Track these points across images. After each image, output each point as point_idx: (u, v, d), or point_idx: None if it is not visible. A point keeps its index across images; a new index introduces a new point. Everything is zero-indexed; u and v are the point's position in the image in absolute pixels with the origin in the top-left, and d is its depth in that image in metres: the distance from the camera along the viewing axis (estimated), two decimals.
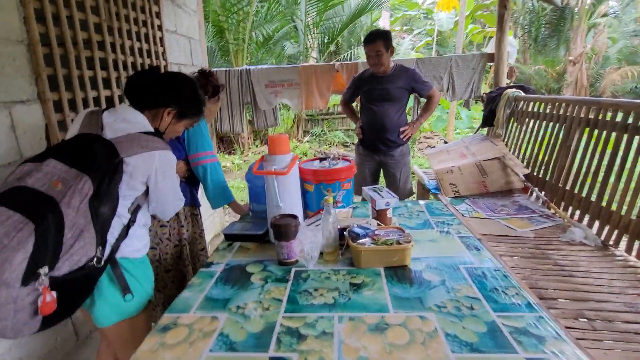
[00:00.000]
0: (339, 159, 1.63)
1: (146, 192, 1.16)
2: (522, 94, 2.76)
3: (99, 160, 1.01)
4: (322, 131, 9.31)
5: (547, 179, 2.33)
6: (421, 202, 1.81)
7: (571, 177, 2.11)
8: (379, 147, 2.62)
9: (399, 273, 1.14)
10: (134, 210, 1.15)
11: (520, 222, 2.07)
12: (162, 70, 2.24)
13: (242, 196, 4.94)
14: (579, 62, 13.11)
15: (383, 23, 12.79)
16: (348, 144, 8.79)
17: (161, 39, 2.48)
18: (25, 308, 0.86)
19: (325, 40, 8.63)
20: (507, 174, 2.50)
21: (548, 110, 2.40)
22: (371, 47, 2.34)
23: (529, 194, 2.46)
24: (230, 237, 1.48)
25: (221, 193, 1.67)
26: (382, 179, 2.84)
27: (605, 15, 13.67)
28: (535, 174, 2.44)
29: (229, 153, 7.92)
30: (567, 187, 2.12)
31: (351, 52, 10.33)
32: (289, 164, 1.34)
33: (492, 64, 3.21)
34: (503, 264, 1.29)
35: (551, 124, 2.36)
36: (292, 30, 8.57)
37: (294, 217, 1.28)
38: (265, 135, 8.65)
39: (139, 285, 1.17)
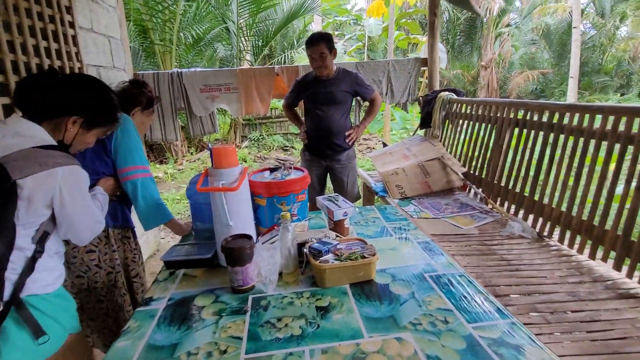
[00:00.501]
0: (290, 168, 1.53)
1: (53, 216, 0.97)
2: (455, 96, 2.92)
3: None
4: (260, 136, 9.10)
5: (483, 176, 2.47)
6: (375, 207, 1.78)
7: (505, 174, 2.26)
8: (326, 151, 2.57)
9: (366, 289, 1.08)
10: (41, 239, 0.96)
11: (464, 220, 2.16)
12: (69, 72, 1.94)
13: (177, 209, 4.57)
14: (490, 67, 14.61)
15: (315, 27, 12.96)
16: (288, 148, 8.69)
17: (74, 37, 2.15)
18: None
19: (260, 44, 8.45)
20: (447, 173, 2.61)
21: (480, 112, 2.55)
22: (314, 49, 2.28)
23: (467, 191, 2.59)
24: (172, 265, 1.29)
25: (155, 212, 1.47)
26: (328, 183, 2.80)
27: (508, 25, 15.41)
28: (472, 172, 2.58)
29: (161, 162, 7.35)
30: (502, 184, 2.27)
31: (285, 56, 10.28)
32: (238, 177, 1.21)
33: (425, 68, 3.36)
34: (459, 267, 1.30)
35: (484, 125, 2.51)
36: (224, 32, 8.23)
37: (248, 237, 1.15)
38: (201, 142, 8.19)
39: (55, 322, 0.99)
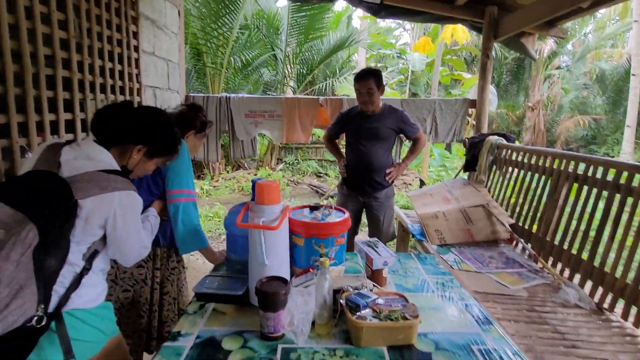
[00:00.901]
0: (331, 207, 1.48)
1: (104, 236, 1.03)
2: (505, 141, 2.78)
3: (49, 203, 0.87)
4: (295, 160, 9.20)
5: (533, 230, 2.30)
6: (414, 256, 1.68)
7: (559, 232, 2.08)
8: (365, 187, 2.51)
9: (406, 356, 0.98)
10: (90, 257, 1.01)
11: (511, 278, 1.99)
12: (136, 97, 2.06)
13: (209, 226, 4.63)
14: (537, 108, 14.13)
15: (359, 58, 13.23)
16: (321, 175, 8.71)
17: (137, 60, 2.28)
18: None
19: (304, 71, 8.70)
20: (493, 223, 2.45)
21: (533, 161, 2.40)
22: (363, 84, 2.28)
23: (514, 245, 2.41)
24: (203, 297, 1.26)
25: (192, 237, 1.48)
26: (363, 218, 2.73)
27: (558, 67, 14.95)
28: (520, 224, 2.40)
29: (198, 177, 7.57)
30: (556, 242, 2.08)
31: (326, 83, 10.51)
32: (279, 216, 1.17)
33: (473, 109, 3.26)
34: (511, 342, 1.16)
35: (536, 175, 2.35)
36: (271, 58, 8.58)
37: (284, 281, 1.09)
38: (237, 161, 8.39)
39: (95, 329, 1.04)
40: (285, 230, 1.23)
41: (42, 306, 0.86)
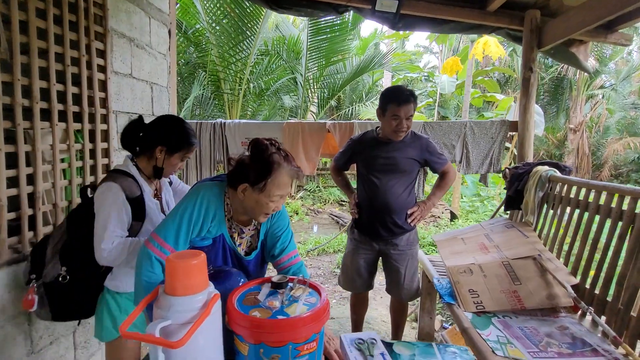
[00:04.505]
0: (304, 283, 0.98)
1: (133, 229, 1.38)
2: (558, 174, 2.19)
3: None
4: (317, 187, 8.77)
5: (608, 298, 1.67)
6: (434, 347, 1.13)
7: None
8: (380, 232, 2.03)
9: None
10: None
11: None
12: (100, 125, 1.98)
13: None
14: (580, 130, 13.13)
15: (385, 83, 12.89)
16: (344, 203, 8.18)
17: (103, 82, 1.95)
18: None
19: (325, 96, 8.41)
20: (548, 283, 1.83)
21: (603, 201, 1.80)
22: (406, 108, 1.85)
23: (579, 315, 1.77)
24: None
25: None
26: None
27: (602, 87, 13.91)
28: (587, 287, 1.78)
29: None
30: None
31: (352, 108, 10.20)
32: (197, 315, 0.70)
33: (514, 133, 2.69)
34: None
35: (609, 220, 1.74)
36: (291, 82, 8.37)
37: None
38: None
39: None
40: (212, 338, 0.75)
41: None
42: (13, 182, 1.48)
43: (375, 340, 0.93)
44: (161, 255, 1.07)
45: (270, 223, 1.27)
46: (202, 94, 7.13)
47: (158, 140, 1.37)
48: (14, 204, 1.50)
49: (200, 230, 1.13)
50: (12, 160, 1.46)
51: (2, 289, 1.44)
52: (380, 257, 2.19)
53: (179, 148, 1.40)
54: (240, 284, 0.95)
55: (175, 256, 0.75)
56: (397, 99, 1.87)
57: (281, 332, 0.78)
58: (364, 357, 0.87)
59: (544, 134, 13.67)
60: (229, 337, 0.85)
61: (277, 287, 0.94)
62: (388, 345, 1.19)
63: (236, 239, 1.22)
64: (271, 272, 1.35)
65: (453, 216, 5.15)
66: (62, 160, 1.73)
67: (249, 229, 1.26)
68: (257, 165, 1.08)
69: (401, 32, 6.43)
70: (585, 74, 12.39)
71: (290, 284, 0.97)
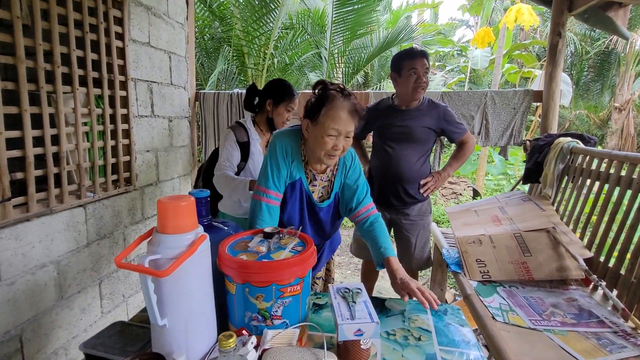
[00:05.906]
0: (295, 233, 1.02)
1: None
2: (581, 144, 2.08)
3: None
4: None
5: (621, 272, 1.61)
6: (425, 316, 1.14)
7: None
8: (392, 201, 2.03)
9: None
10: None
11: (585, 344, 1.34)
12: (120, 91, 2.06)
13: None
14: (626, 109, 12.17)
15: None
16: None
17: (122, 49, 2.02)
18: None
19: (350, 71, 8.24)
20: (560, 256, 1.78)
21: (624, 172, 1.70)
22: (421, 61, 1.84)
23: (591, 289, 1.72)
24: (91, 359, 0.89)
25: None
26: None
27: None
28: (601, 260, 1.72)
29: None
30: None
31: (380, 85, 9.94)
32: (183, 251, 0.75)
33: (538, 104, 2.55)
34: None
35: (629, 191, 1.66)
36: (316, 57, 8.25)
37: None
38: None
39: None
40: (199, 274, 0.81)
41: None
42: (39, 141, 1.59)
43: (360, 289, 0.96)
44: (268, 201, 1.23)
45: (344, 174, 1.33)
46: (227, 69, 7.18)
47: (267, 96, 1.77)
48: (41, 163, 1.62)
49: (289, 171, 1.25)
50: (37, 123, 1.57)
51: (33, 237, 1.58)
52: (392, 229, 2.19)
53: (282, 99, 1.75)
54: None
55: (167, 198, 0.80)
56: (409, 54, 1.87)
57: (264, 272, 0.83)
58: (347, 303, 0.90)
59: (585, 112, 12.82)
60: (221, 279, 0.91)
61: (267, 236, 0.99)
62: (381, 301, 1.23)
63: (309, 185, 1.31)
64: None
65: (476, 193, 5.01)
66: (85, 125, 1.84)
67: (322, 179, 1.33)
68: (315, 98, 1.17)
69: (429, 1, 6.11)
70: (637, 46, 11.40)
71: (281, 235, 1.01)
